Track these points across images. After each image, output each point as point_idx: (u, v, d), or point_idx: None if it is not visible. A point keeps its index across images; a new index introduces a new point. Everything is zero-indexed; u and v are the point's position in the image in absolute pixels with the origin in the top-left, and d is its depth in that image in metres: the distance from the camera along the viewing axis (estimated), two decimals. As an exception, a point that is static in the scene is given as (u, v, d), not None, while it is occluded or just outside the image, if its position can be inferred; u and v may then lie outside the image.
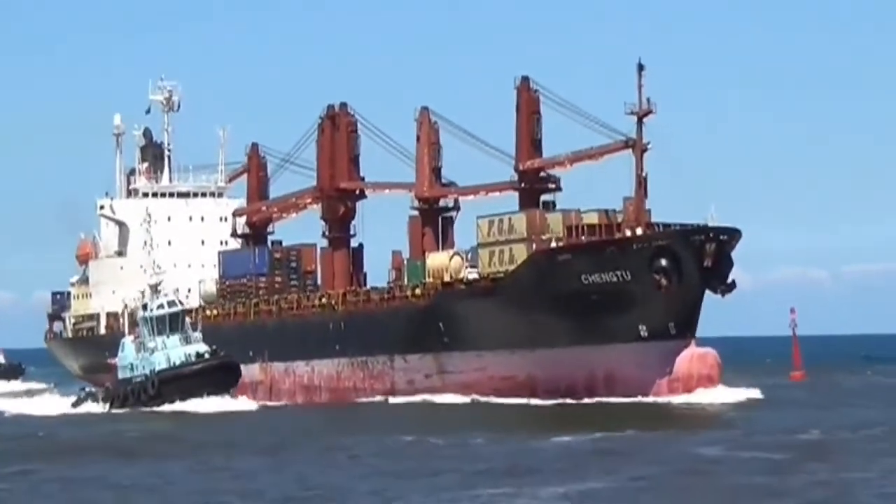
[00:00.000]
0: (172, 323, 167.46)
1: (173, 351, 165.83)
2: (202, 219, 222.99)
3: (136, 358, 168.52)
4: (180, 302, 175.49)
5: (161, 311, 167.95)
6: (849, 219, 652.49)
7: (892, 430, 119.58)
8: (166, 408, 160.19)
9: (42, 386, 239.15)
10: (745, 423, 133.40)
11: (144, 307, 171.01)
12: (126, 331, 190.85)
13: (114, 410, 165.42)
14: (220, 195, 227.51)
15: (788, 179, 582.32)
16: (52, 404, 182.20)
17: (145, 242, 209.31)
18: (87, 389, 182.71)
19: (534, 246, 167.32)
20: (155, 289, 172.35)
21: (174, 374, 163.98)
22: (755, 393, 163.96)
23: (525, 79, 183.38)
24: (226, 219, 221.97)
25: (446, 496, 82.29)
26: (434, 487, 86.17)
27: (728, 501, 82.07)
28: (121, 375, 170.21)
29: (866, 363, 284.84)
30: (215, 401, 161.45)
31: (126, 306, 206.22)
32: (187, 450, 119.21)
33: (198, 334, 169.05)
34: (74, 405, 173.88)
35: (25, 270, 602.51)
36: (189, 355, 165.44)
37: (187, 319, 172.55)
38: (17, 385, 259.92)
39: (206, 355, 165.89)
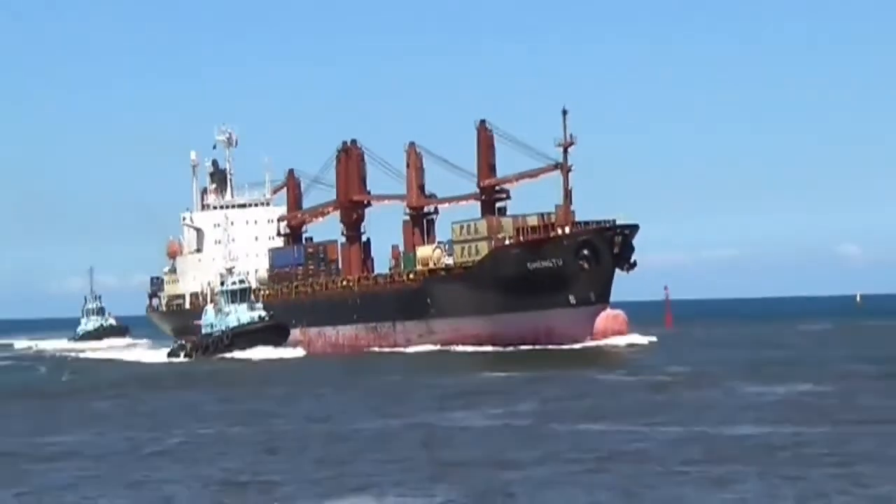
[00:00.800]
0: (242, 295, 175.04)
1: (242, 314, 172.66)
2: (255, 222, 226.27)
3: (214, 319, 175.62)
4: (248, 281, 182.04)
5: (234, 286, 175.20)
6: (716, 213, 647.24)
7: (732, 365, 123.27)
8: (236, 354, 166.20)
9: (143, 341, 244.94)
10: (634, 360, 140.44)
11: (222, 283, 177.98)
12: (207, 301, 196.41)
13: (198, 357, 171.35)
14: (268, 204, 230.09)
15: (671, 190, 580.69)
16: (154, 354, 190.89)
17: (218, 241, 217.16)
18: (178, 342, 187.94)
19: (493, 243, 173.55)
20: (230, 271, 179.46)
21: (243, 330, 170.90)
22: (652, 339, 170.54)
23: (483, 121, 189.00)
24: (272, 221, 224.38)
25: (420, 410, 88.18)
26: (413, 406, 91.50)
27: (613, 409, 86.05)
28: (203, 332, 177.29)
29: (740, 319, 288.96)
30: (271, 350, 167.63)
31: (209, 284, 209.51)
32: (246, 382, 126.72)
33: (259, 304, 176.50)
34: (169, 355, 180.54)
35: (121, 259, 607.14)
36: (253, 318, 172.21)
37: (252, 294, 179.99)
38: (125, 341, 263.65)
39: (266, 318, 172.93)
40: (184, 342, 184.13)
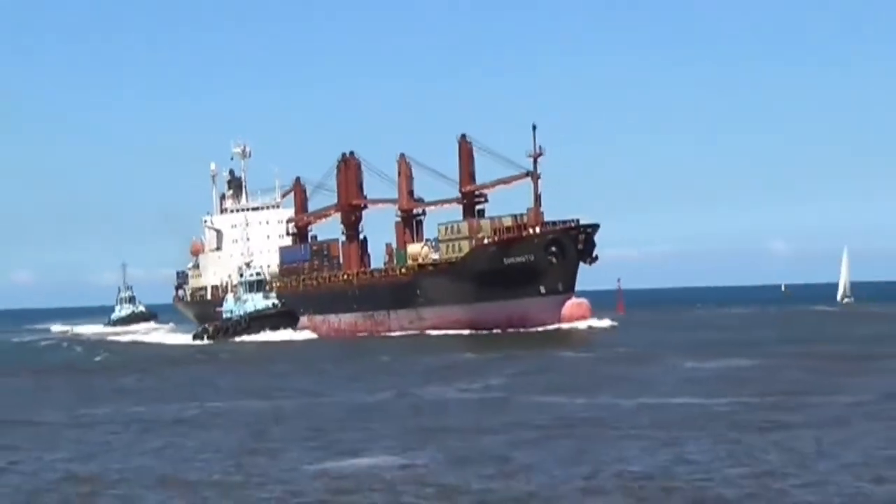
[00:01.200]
0: (258, 285, 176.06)
1: (258, 302, 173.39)
2: (267, 222, 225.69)
3: (234, 306, 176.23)
4: (263, 274, 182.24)
5: (251, 278, 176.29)
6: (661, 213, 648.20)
7: (675, 345, 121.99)
8: (253, 337, 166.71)
9: (168, 325, 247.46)
10: (595, 340, 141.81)
11: (241, 275, 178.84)
12: (227, 292, 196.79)
13: (219, 339, 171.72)
14: (278, 207, 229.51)
15: (623, 192, 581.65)
16: (180, 337, 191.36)
17: (236, 240, 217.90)
18: (202, 326, 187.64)
19: (473, 242, 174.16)
20: (248, 265, 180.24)
21: (259, 314, 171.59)
22: (611, 322, 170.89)
23: (463, 135, 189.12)
24: (282, 222, 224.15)
25: (401, 385, 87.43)
26: (396, 382, 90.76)
27: (568, 380, 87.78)
28: (224, 317, 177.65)
29: (681, 306, 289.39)
30: (284, 332, 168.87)
31: (229, 277, 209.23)
32: (261, 360, 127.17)
33: (273, 294, 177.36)
34: (194, 337, 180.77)
35: (148, 256, 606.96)
36: (267, 305, 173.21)
37: (266, 285, 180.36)
38: (151, 325, 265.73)
39: (278, 305, 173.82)
40: (207, 326, 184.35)
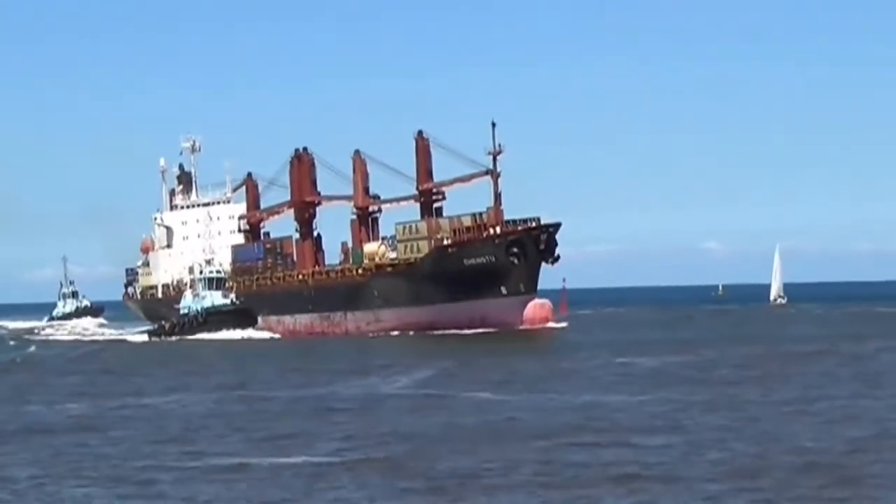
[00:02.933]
0: (218, 282, 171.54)
1: (216, 299, 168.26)
2: (218, 218, 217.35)
3: (192, 302, 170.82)
4: (223, 272, 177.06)
5: (211, 275, 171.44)
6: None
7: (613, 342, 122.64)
8: (207, 336, 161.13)
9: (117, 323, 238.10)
10: (554, 340, 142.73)
11: (201, 272, 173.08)
12: (178, 290, 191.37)
13: (176, 333, 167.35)
14: (228, 202, 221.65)
15: (565, 194, 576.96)
16: (137, 335, 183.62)
17: (187, 237, 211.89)
18: (160, 323, 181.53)
19: (433, 242, 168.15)
20: (208, 262, 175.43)
21: (216, 311, 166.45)
22: (563, 324, 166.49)
23: (420, 131, 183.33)
24: (233, 217, 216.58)
25: (341, 381, 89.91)
26: (337, 377, 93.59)
27: (503, 376, 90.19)
28: (181, 312, 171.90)
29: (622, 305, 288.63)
30: (240, 332, 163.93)
31: (189, 271, 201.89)
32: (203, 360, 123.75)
33: (232, 294, 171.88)
34: (150, 335, 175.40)
35: (90, 253, 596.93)
36: (225, 303, 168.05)
37: (225, 283, 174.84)
38: (100, 320, 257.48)
39: (237, 303, 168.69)
40: (164, 323, 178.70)
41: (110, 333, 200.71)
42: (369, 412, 69.95)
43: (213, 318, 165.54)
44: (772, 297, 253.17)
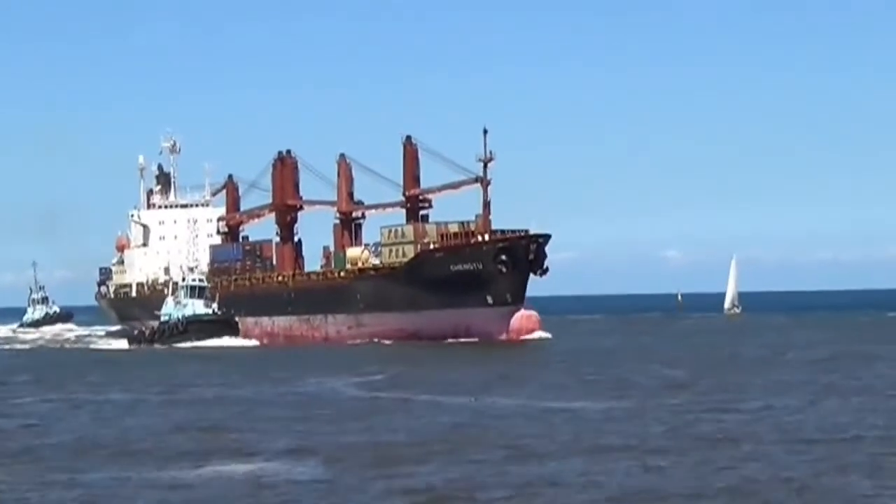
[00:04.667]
0: (200, 291, 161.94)
1: (198, 307, 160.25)
2: (196, 221, 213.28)
3: (173, 310, 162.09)
4: (206, 280, 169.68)
5: (193, 283, 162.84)
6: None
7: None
8: (188, 345, 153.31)
9: (96, 328, 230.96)
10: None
11: (183, 279, 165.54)
12: (169, 293, 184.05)
13: (155, 345, 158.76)
14: (207, 205, 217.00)
15: (543, 201, 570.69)
16: (118, 342, 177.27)
17: (163, 237, 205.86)
18: (139, 329, 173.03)
19: (419, 247, 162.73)
20: (191, 269, 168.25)
21: (197, 320, 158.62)
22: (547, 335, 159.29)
23: (409, 136, 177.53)
24: (211, 220, 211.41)
25: (326, 378, 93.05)
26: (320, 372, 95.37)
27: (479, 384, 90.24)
28: (162, 320, 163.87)
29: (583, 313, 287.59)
30: (222, 340, 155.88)
31: (165, 272, 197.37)
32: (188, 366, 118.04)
33: (214, 303, 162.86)
34: (130, 341, 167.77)
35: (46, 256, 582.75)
36: (207, 312, 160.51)
37: (208, 291, 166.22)
38: (70, 326, 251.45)
39: (219, 312, 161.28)
40: (143, 329, 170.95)
41: (88, 339, 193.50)
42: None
43: (193, 326, 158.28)
44: (726, 307, 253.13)
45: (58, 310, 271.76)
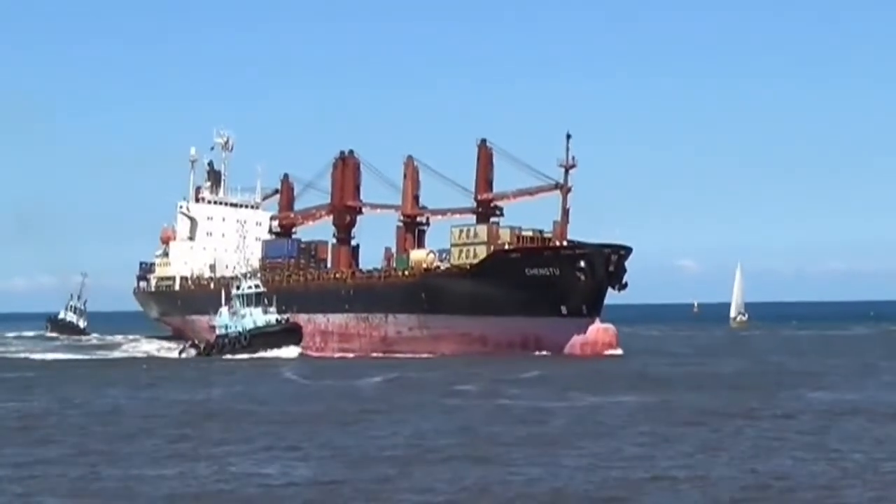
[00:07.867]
0: (257, 298, 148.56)
1: (258, 317, 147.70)
2: (245, 222, 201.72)
3: (229, 321, 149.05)
4: (262, 286, 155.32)
5: (250, 291, 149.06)
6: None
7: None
8: (254, 354, 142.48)
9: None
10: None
11: (238, 287, 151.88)
12: (199, 284, 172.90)
13: (213, 356, 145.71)
14: (256, 208, 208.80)
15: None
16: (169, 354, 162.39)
17: (210, 232, 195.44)
18: (188, 344, 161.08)
19: (492, 248, 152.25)
20: (246, 276, 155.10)
21: (260, 332, 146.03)
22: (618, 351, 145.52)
23: (483, 139, 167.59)
24: (260, 223, 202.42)
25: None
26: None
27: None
28: (218, 333, 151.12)
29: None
30: (286, 350, 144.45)
31: (210, 269, 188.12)
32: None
33: (273, 308, 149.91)
34: (179, 353, 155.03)
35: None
36: (269, 321, 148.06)
37: (266, 298, 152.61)
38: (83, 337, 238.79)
39: (282, 321, 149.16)
40: (196, 342, 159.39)
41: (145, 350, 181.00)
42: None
43: (256, 339, 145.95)
44: (732, 315, 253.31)
45: (84, 325, 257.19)
